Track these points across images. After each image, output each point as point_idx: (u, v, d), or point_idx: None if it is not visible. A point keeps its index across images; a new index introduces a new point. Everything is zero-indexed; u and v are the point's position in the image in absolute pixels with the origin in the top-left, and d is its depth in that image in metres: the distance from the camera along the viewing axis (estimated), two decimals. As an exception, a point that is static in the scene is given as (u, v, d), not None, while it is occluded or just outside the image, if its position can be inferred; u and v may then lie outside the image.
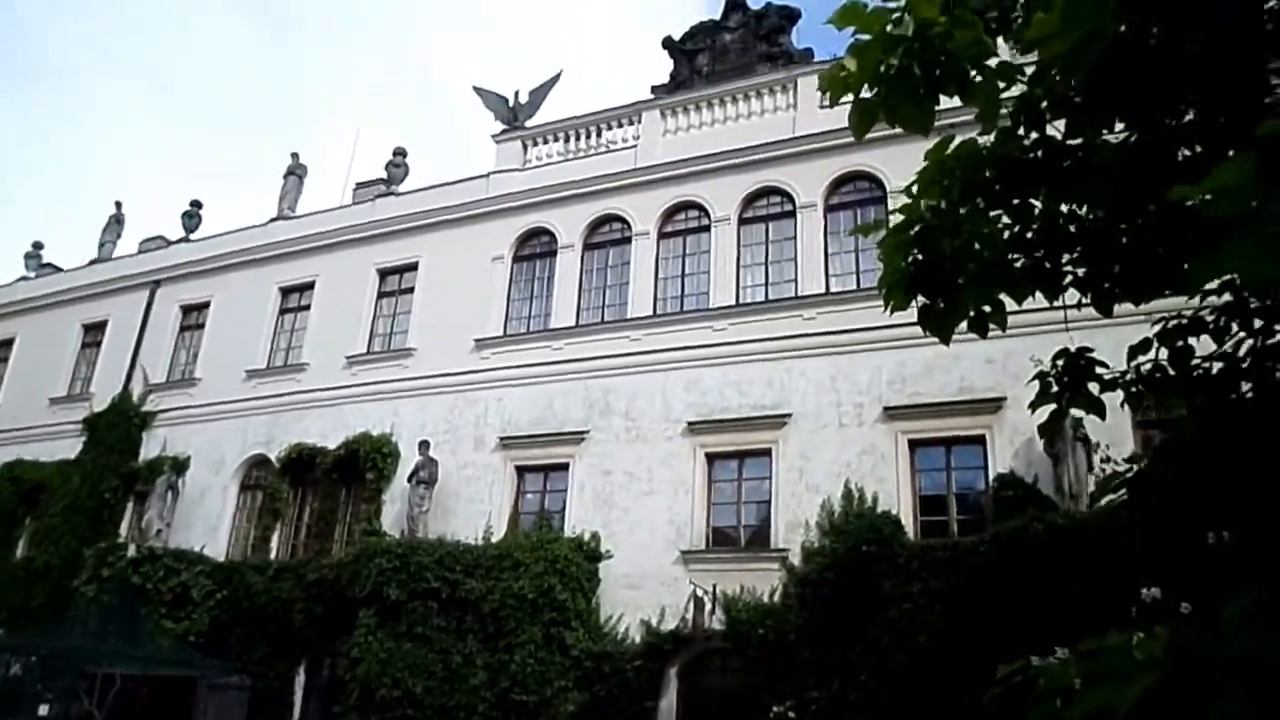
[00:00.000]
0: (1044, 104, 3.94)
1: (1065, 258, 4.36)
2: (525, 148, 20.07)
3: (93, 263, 25.70)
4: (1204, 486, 3.44)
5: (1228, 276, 4.27)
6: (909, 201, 4.33)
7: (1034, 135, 4.07)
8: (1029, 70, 3.78)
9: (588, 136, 19.53)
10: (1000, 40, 4.03)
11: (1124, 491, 4.53)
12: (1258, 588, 2.23)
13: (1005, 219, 4.31)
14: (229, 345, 21.34)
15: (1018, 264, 4.39)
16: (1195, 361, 4.59)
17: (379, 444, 17.93)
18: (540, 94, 20.62)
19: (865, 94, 3.35)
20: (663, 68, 19.28)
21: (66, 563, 19.21)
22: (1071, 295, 4.50)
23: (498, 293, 18.59)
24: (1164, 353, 4.62)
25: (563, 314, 17.75)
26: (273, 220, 22.71)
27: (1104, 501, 9.71)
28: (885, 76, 3.29)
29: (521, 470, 16.83)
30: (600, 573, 14.92)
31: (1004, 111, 3.89)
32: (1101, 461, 10.09)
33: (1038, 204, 4.26)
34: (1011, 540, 11.02)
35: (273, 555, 18.38)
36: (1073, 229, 4.28)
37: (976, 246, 4.30)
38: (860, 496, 13.58)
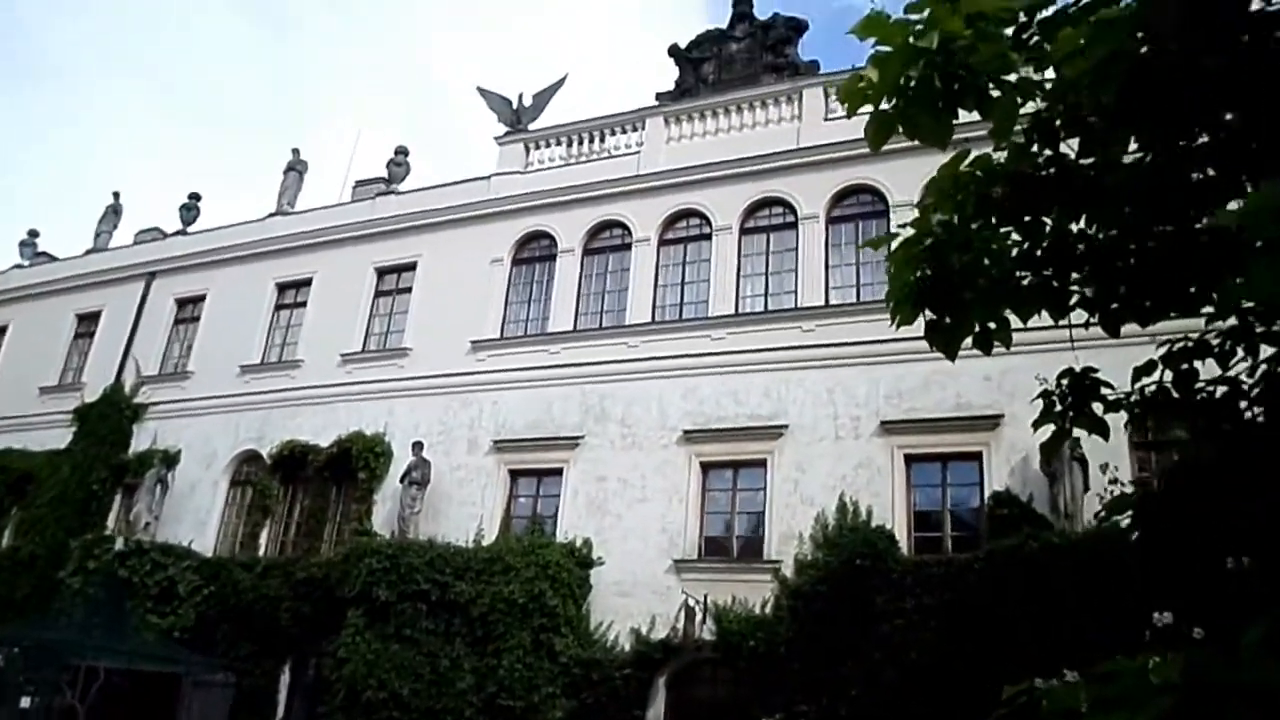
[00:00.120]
0: (1058, 122, 3.93)
1: (1073, 277, 4.35)
2: (528, 150, 20.06)
3: (89, 252, 25.63)
4: (1219, 510, 3.41)
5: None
6: (920, 215, 4.30)
7: (1047, 153, 4.06)
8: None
9: (591, 141, 19.52)
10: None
11: (1130, 513, 4.51)
12: (1277, 613, 2.20)
13: (1015, 236, 4.29)
14: (223, 339, 21.25)
15: (1025, 282, 4.38)
16: (1199, 385, 4.59)
17: (372, 443, 17.85)
18: (544, 97, 20.62)
19: (884, 106, 3.34)
20: (668, 75, 19.33)
21: (53, 554, 19.08)
22: (1075, 315, 4.49)
23: (496, 295, 18.55)
24: (1169, 375, 4.61)
25: (561, 318, 17.70)
26: (271, 215, 22.65)
27: (1111, 522, 9.71)
28: (905, 89, 3.28)
29: (515, 474, 16.78)
30: (591, 579, 14.85)
31: (1016, 128, 3.88)
32: (1110, 482, 10.09)
33: (1049, 222, 4.25)
34: (1006, 558, 11.00)
35: (261, 552, 18.28)
36: (1081, 248, 4.27)
37: (986, 263, 4.29)
38: (855, 510, 13.54)
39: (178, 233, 24.21)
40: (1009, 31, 4.02)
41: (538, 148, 20.05)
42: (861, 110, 3.40)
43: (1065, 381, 4.84)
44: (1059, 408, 4.86)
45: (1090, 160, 3.97)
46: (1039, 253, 4.33)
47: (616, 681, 13.63)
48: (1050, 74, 3.67)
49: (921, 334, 4.75)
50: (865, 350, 14.38)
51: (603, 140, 19.37)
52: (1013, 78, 3.41)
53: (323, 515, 18.09)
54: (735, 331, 15.95)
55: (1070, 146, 3.98)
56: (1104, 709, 2.36)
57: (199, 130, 70.09)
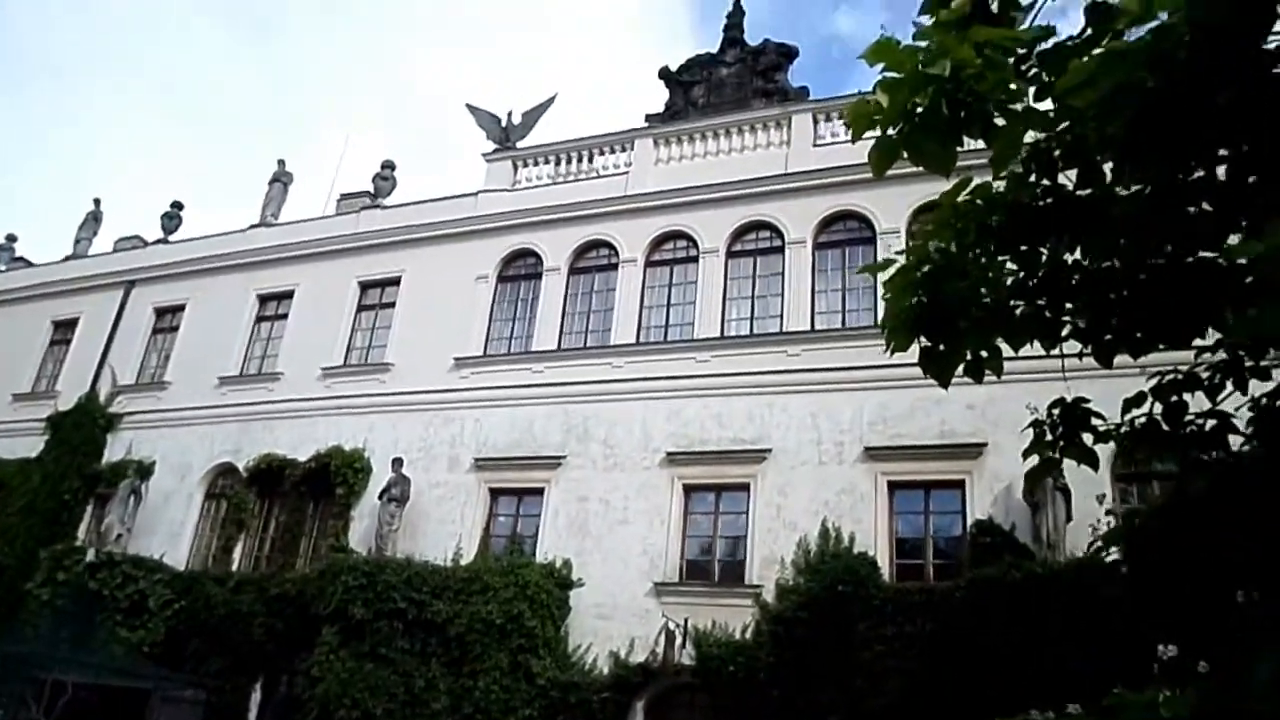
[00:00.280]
0: (1056, 152, 3.96)
1: (1067, 307, 4.36)
2: (516, 168, 20.07)
3: (67, 259, 25.35)
4: (1215, 542, 3.40)
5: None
6: (918, 242, 4.31)
7: (1045, 183, 4.08)
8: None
9: (579, 161, 19.55)
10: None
11: (1117, 546, 4.51)
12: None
13: (1011, 265, 4.31)
14: (202, 350, 21.03)
15: (1019, 311, 4.39)
16: (1188, 418, 4.61)
17: (351, 458, 17.67)
18: (533, 116, 20.66)
19: (890, 131, 3.33)
20: (658, 97, 19.41)
21: (21, 564, 18.66)
22: (1064, 345, 4.50)
23: (480, 312, 18.47)
24: (1158, 407, 4.63)
25: (545, 337, 17.64)
26: (255, 226, 22.52)
27: (1094, 553, 9.73)
28: (911, 114, 3.27)
29: (495, 493, 16.65)
30: (570, 601, 14.72)
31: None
32: (1105, 513, 10.12)
33: (1044, 251, 4.26)
34: (988, 587, 10.98)
35: (235, 567, 18.01)
36: (1076, 279, 4.29)
37: (981, 291, 4.29)
38: (837, 536, 13.50)
39: (159, 241, 24.03)
40: (1010, 61, 4.05)
41: (526, 165, 20.06)
42: (866, 135, 3.40)
43: (1056, 411, 4.86)
44: (1049, 437, 4.87)
45: (1088, 191, 4.00)
46: (1033, 282, 4.34)
47: (594, 705, 13.47)
48: (1047, 105, 3.70)
49: (906, 361, 4.76)
50: (850, 376, 14.41)
51: (591, 160, 19.41)
52: (1018, 106, 3.42)
53: (298, 530, 17.88)
54: (720, 354, 15.95)
55: (1068, 177, 4.01)
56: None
57: (183, 141, 69.74)
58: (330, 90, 71.81)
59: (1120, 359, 4.26)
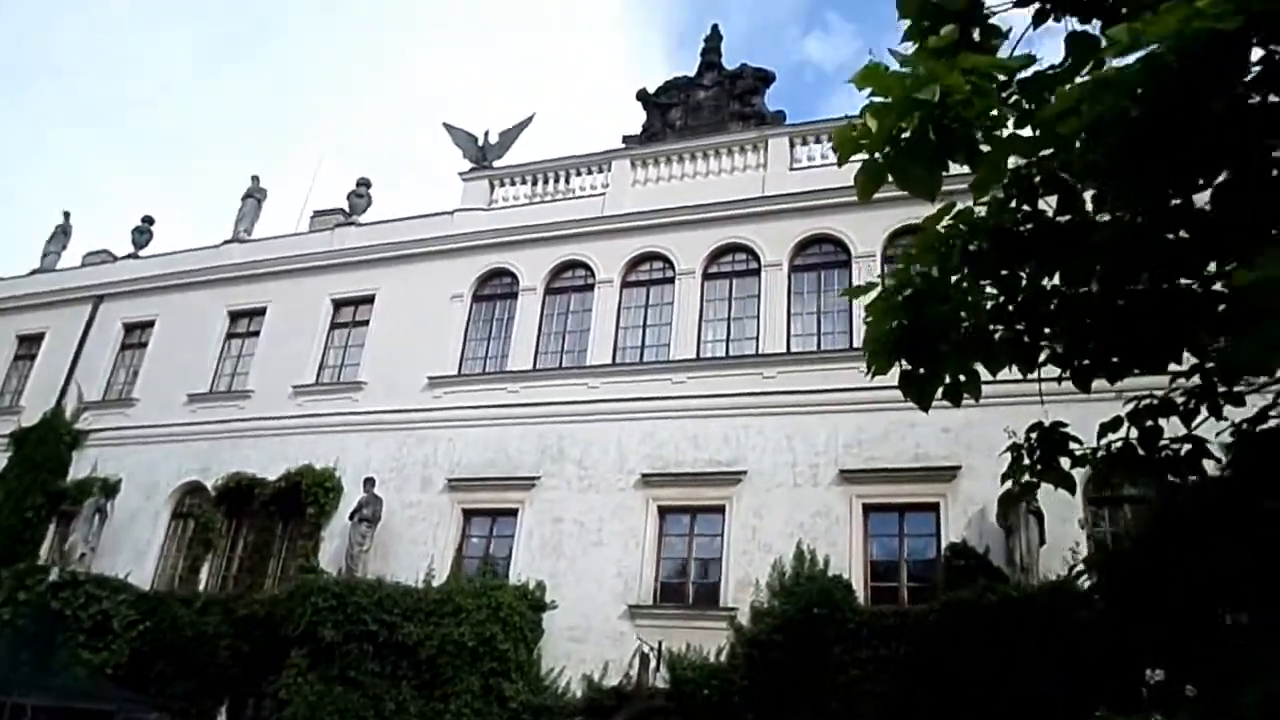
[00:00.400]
0: (1037, 178, 4.00)
1: (1045, 331, 4.40)
2: (492, 187, 20.05)
3: (34, 272, 24.96)
4: (1205, 566, 3.43)
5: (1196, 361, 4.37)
6: (901, 266, 4.34)
7: (1025, 208, 4.12)
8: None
9: (556, 181, 19.58)
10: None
11: (1101, 569, 4.53)
12: (1271, 674, 2.19)
13: (991, 289, 4.34)
14: (171, 367, 20.74)
15: (997, 335, 4.43)
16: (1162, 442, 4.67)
17: (322, 478, 17.46)
18: (511, 135, 20.68)
19: (876, 156, 3.36)
20: (635, 119, 19.49)
21: (-19, 583, 18.25)
22: (1044, 370, 4.54)
23: (455, 331, 18.38)
24: (1134, 432, 4.68)
25: (520, 357, 17.57)
26: (227, 242, 22.31)
27: (1068, 577, 9.81)
28: (897, 139, 3.30)
29: (469, 513, 16.49)
30: (544, 623, 14.57)
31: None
32: (1089, 536, 10.21)
33: (1024, 276, 4.30)
34: (963, 610, 11.01)
35: (202, 587, 17.68)
36: (1054, 304, 4.33)
37: (962, 315, 4.33)
38: (812, 558, 13.50)
39: (129, 256, 23.74)
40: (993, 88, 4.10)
41: (502, 185, 20.05)
42: (854, 158, 3.42)
43: (1034, 435, 4.89)
44: (1027, 461, 4.90)
45: (1067, 218, 4.05)
46: (1013, 307, 4.38)
47: (567, 729, 13.33)
48: (1025, 131, 3.74)
49: (881, 384, 4.81)
50: (825, 398, 14.47)
51: (568, 180, 19.44)
52: (1003, 132, 3.46)
53: (267, 551, 17.61)
54: (696, 376, 15.95)
55: (1048, 203, 4.06)
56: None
57: (156, 156, 69.15)
58: (306, 110, 71.58)
59: (1095, 384, 4.32)
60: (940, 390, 4.48)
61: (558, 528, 15.46)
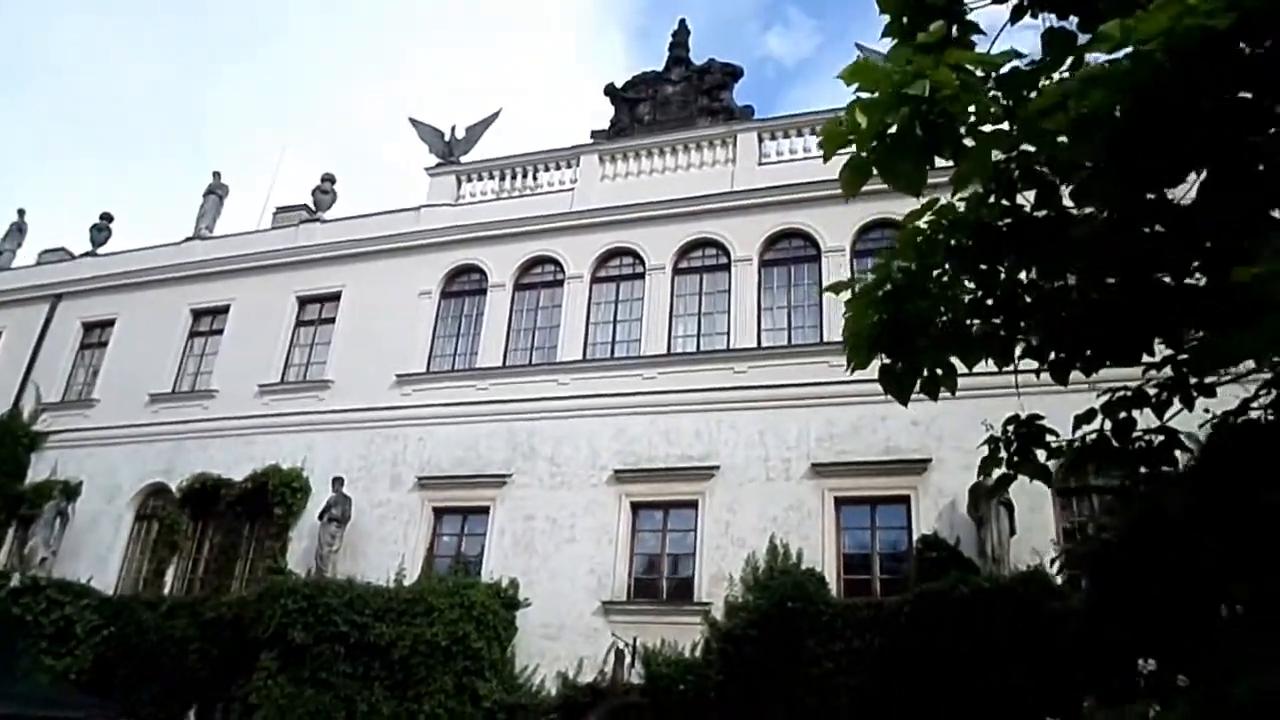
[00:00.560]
0: (1016, 173, 4.02)
1: (1021, 325, 4.43)
2: (459, 183, 19.88)
3: (-11, 272, 24.36)
4: (1198, 561, 3.46)
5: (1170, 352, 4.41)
6: (881, 261, 4.34)
7: (1004, 202, 4.13)
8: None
9: (524, 176, 19.46)
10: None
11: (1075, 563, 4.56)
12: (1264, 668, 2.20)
13: (969, 283, 4.36)
14: (133, 367, 20.35)
15: (974, 329, 4.45)
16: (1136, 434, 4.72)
17: (289, 478, 17.22)
18: (477, 131, 20.52)
19: (863, 151, 3.34)
20: (603, 114, 19.42)
21: (-63, 590, 17.81)
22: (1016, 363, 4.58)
23: (423, 328, 18.21)
24: (1108, 424, 4.72)
25: (490, 353, 17.45)
26: (188, 239, 21.94)
27: (1038, 568, 9.91)
28: (883, 135, 3.29)
29: (439, 512, 16.36)
30: (517, 621, 14.51)
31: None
32: (1072, 529, 10.32)
33: (1003, 271, 4.32)
34: (935, 602, 11.09)
35: (167, 590, 17.38)
36: (1031, 298, 4.36)
37: (941, 309, 4.34)
38: (785, 552, 13.54)
39: (87, 254, 23.26)
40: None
41: (470, 180, 19.89)
42: (841, 152, 3.40)
43: (1011, 428, 4.93)
44: (1004, 453, 4.94)
45: (1045, 212, 4.07)
46: (990, 301, 4.40)
47: (542, 727, 13.28)
48: (1003, 126, 3.75)
49: (852, 378, 4.81)
50: (797, 393, 14.52)
51: (536, 176, 19.33)
52: (988, 128, 3.46)
53: (234, 552, 17.34)
54: (667, 371, 15.94)
55: (1026, 198, 4.08)
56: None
57: (113, 153, 67.82)
58: (268, 106, 70.57)
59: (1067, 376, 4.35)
60: (919, 384, 4.50)
61: (530, 525, 15.38)
